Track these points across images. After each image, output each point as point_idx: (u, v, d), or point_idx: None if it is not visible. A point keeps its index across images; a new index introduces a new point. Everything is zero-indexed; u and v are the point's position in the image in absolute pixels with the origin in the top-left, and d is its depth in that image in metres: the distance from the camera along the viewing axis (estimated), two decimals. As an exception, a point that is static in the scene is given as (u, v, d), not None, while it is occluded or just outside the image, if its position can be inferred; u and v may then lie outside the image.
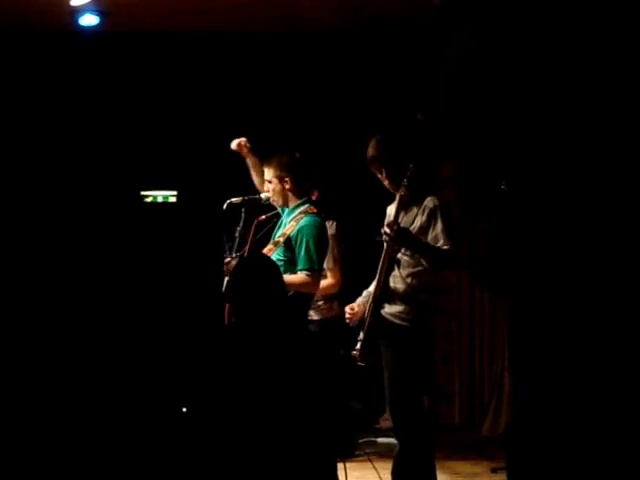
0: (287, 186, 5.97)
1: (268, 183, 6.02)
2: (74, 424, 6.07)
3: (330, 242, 7.21)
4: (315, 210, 6.05)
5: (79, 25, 8.08)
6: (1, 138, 8.65)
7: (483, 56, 7.97)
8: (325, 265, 7.22)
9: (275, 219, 6.23)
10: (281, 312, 4.01)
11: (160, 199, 8.60)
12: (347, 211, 7.78)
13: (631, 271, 6.18)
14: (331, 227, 7.31)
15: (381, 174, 5.52)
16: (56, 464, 5.58)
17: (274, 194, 6.02)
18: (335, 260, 7.21)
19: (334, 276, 7.17)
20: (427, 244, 5.37)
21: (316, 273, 5.83)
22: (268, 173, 6.00)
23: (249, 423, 3.76)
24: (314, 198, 7.10)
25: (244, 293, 4.01)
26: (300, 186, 6.02)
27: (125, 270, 8.20)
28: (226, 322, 5.97)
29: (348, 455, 6.17)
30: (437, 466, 5.58)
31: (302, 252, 5.79)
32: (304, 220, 5.90)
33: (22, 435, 5.92)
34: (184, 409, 5.41)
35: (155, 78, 8.70)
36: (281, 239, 5.91)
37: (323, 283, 7.13)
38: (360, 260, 6.25)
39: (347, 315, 5.54)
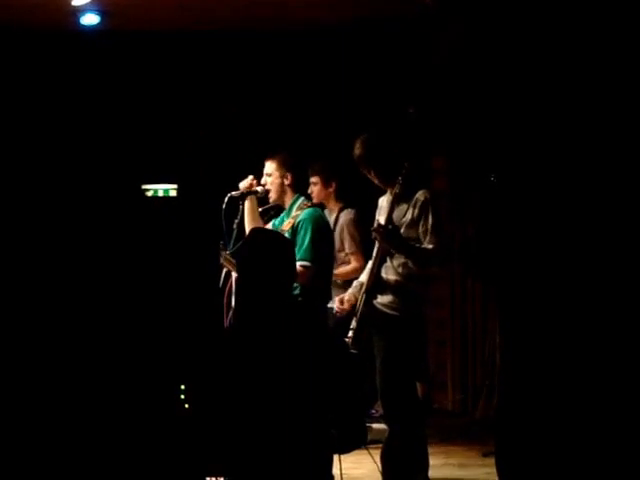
0: (287, 182, 6.15)
1: (267, 177, 6.20)
2: (73, 423, 6.08)
3: (350, 228, 7.42)
4: (311, 204, 6.24)
5: (80, 24, 8.17)
6: (2, 136, 8.76)
7: (471, 52, 8.11)
8: (347, 250, 7.43)
9: (272, 212, 6.39)
10: (289, 291, 4.00)
11: (161, 193, 8.72)
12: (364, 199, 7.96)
13: (618, 262, 6.31)
14: (350, 213, 7.52)
15: (369, 173, 5.64)
16: (55, 463, 5.62)
17: (272, 187, 6.20)
18: (357, 245, 7.38)
19: (357, 260, 7.30)
20: (412, 247, 5.49)
21: (312, 265, 5.89)
22: (270, 167, 6.17)
23: (252, 411, 3.76)
24: (332, 189, 7.44)
25: (257, 264, 3.92)
26: (298, 183, 6.23)
27: (125, 263, 8.30)
28: (225, 317, 6.19)
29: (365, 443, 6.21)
30: (429, 451, 5.73)
31: (303, 243, 5.90)
32: (305, 212, 6.05)
33: (21, 433, 5.95)
34: (184, 401, 5.56)
35: (155, 76, 8.80)
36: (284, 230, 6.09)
37: (347, 268, 7.35)
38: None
39: (336, 307, 5.72)
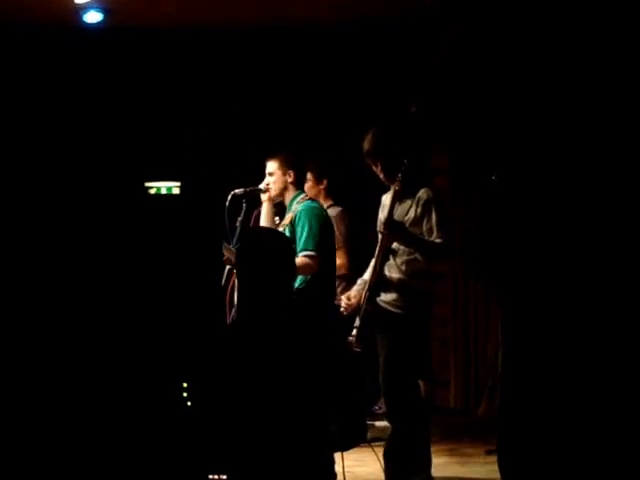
0: (289, 180, 6.19)
1: (269, 176, 6.25)
2: (74, 422, 6.06)
3: (337, 223, 7.45)
4: (308, 197, 6.29)
5: (83, 22, 8.20)
6: (6, 133, 8.78)
7: (471, 52, 8.14)
8: None
9: (274, 209, 6.44)
10: (288, 288, 4.03)
11: (164, 190, 8.72)
12: (356, 197, 7.99)
13: (617, 261, 6.33)
14: (336, 210, 7.56)
15: (376, 167, 5.67)
16: (56, 462, 5.61)
17: (275, 185, 6.23)
18: (343, 241, 7.41)
19: (341, 256, 7.30)
20: (420, 239, 5.51)
21: (316, 253, 5.81)
22: (272, 166, 6.20)
23: (253, 409, 3.79)
24: (323, 187, 7.49)
25: (255, 263, 3.95)
26: (300, 180, 6.27)
27: (128, 262, 8.30)
28: (227, 314, 6.19)
29: (363, 440, 6.23)
30: (432, 449, 5.74)
31: (302, 234, 5.86)
32: (303, 205, 6.06)
33: (21, 432, 5.93)
34: (186, 399, 5.55)
35: (158, 73, 8.82)
36: (281, 227, 6.10)
37: None
38: (368, 245, 6.36)
39: (343, 304, 5.71)
